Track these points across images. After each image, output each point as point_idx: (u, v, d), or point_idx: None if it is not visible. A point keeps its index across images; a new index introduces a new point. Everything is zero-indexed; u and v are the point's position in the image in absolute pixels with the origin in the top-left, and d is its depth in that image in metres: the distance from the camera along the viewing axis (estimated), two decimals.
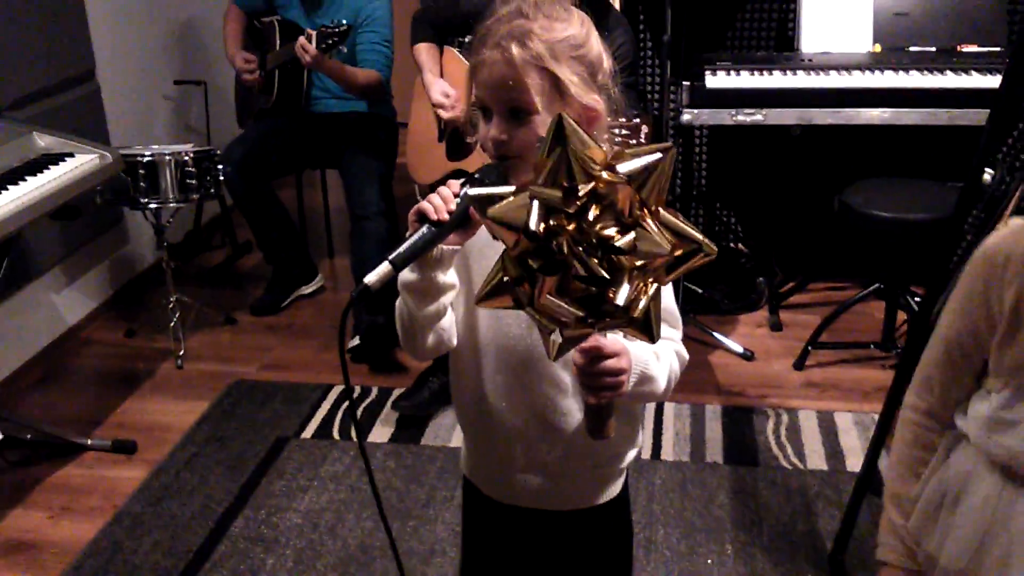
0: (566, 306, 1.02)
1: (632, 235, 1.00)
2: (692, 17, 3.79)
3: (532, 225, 1.00)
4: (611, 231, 1.00)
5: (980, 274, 1.30)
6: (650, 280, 1.03)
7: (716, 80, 3.45)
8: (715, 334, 3.55)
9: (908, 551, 1.44)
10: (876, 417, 2.38)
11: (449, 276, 1.31)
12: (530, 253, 1.03)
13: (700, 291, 3.77)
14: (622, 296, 1.00)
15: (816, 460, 2.85)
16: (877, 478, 2.43)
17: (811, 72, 3.45)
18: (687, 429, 3.03)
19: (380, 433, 3.05)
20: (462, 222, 1.23)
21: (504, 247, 1.06)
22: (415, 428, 3.06)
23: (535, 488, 1.48)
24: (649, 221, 1.01)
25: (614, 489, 1.54)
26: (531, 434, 1.45)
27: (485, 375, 1.44)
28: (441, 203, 1.21)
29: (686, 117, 3.41)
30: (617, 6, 3.61)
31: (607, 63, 1.34)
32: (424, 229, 1.21)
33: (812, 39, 3.68)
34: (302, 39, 3.37)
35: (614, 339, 1.17)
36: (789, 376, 3.35)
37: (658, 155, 1.01)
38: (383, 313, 3.31)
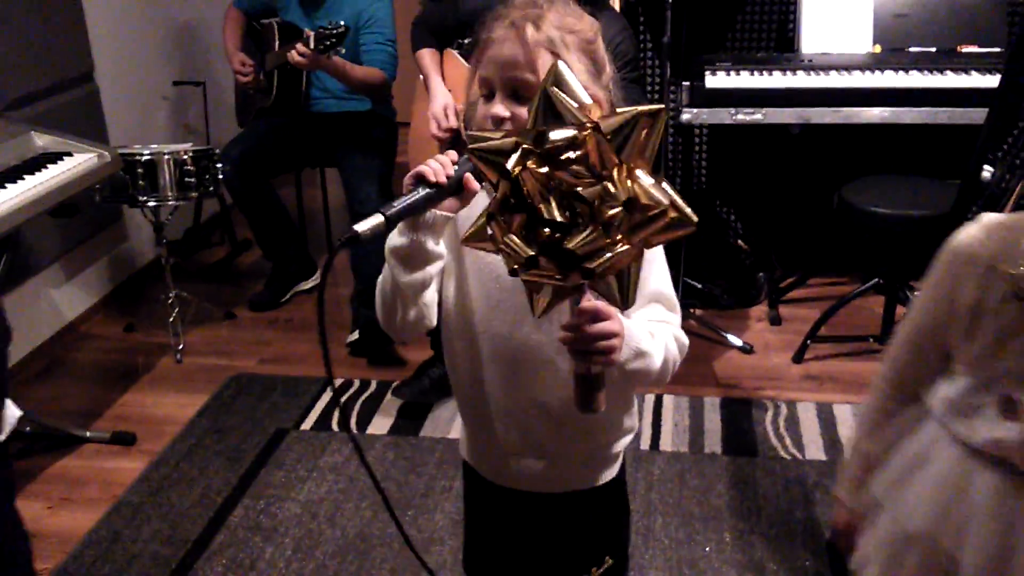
0: (521, 244, 1.03)
1: (597, 187, 1.01)
2: (692, 18, 3.81)
3: (509, 164, 1.02)
4: (579, 180, 1.01)
5: (947, 269, 1.33)
6: (618, 239, 1.02)
7: (716, 80, 3.46)
8: (715, 328, 3.56)
9: (857, 493, 1.50)
10: None
11: (439, 246, 1.30)
12: (510, 195, 1.04)
13: (700, 286, 3.78)
14: (575, 242, 1.00)
15: (814, 451, 2.86)
16: None
17: (811, 72, 3.47)
18: (686, 420, 3.04)
19: (379, 425, 3.04)
20: (458, 187, 1.23)
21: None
22: (414, 420, 3.06)
23: (532, 471, 1.49)
24: (622, 177, 1.01)
25: (610, 472, 1.55)
26: (528, 420, 1.45)
27: (481, 363, 1.45)
28: (439, 167, 1.21)
29: (686, 116, 3.42)
30: (617, 7, 3.64)
31: (609, 68, 1.36)
32: (420, 189, 1.20)
33: (812, 40, 3.70)
34: (294, 52, 3.37)
35: (605, 304, 1.16)
36: (788, 369, 3.36)
37: (638, 110, 1.01)
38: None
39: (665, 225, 1.03)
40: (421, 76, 3.24)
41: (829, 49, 3.67)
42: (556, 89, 1.03)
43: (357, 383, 3.30)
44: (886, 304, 3.35)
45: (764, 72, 3.50)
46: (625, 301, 1.06)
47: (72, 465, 2.91)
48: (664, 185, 1.04)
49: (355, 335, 3.46)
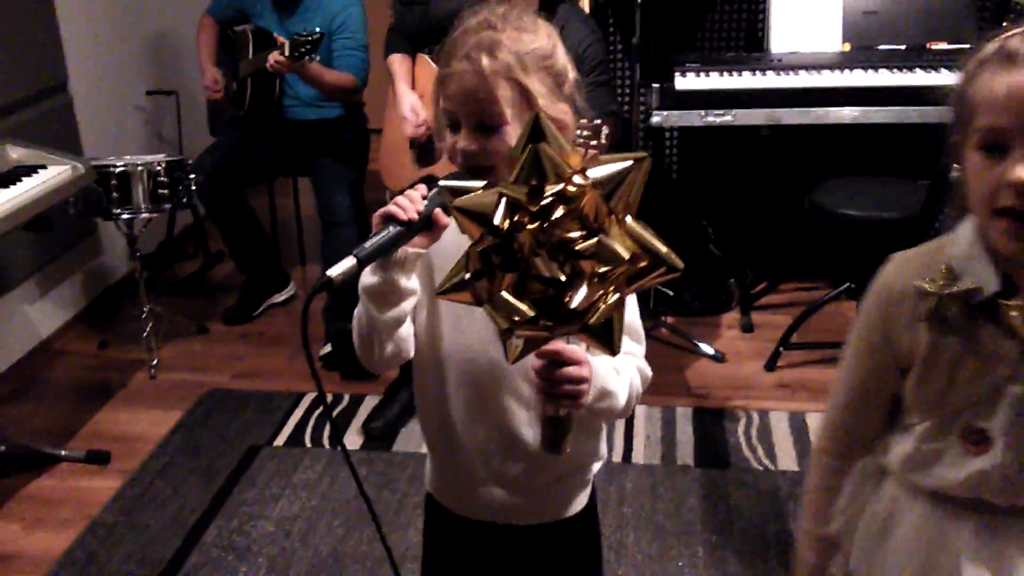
0: (519, 304, 1.02)
1: (594, 240, 1.00)
2: (661, 18, 3.79)
3: (496, 220, 1.01)
4: (574, 234, 1.00)
5: (878, 314, 1.27)
6: (611, 289, 1.02)
7: (686, 81, 3.45)
8: (686, 336, 3.55)
9: None
10: None
11: (411, 281, 1.30)
12: (493, 249, 1.03)
13: (671, 293, 3.77)
14: (577, 299, 0.99)
15: (787, 461, 2.86)
16: None
17: (780, 72, 3.46)
18: (658, 432, 3.03)
19: (351, 441, 3.04)
20: (427, 224, 1.23)
21: (469, 242, 1.06)
22: (386, 436, 3.06)
23: (499, 503, 1.48)
24: (615, 228, 1.01)
25: (580, 501, 1.53)
26: (494, 448, 1.44)
27: (448, 389, 1.44)
28: (408, 204, 1.22)
29: (656, 119, 3.41)
30: (587, 8, 3.62)
31: (572, 74, 1.35)
32: (391, 228, 1.21)
33: (781, 39, 3.68)
34: (271, 58, 3.37)
35: (575, 348, 1.17)
36: (760, 377, 3.36)
37: (629, 163, 1.01)
38: (348, 320, 3.30)
39: (660, 273, 1.03)
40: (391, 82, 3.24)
41: (799, 48, 3.65)
42: (545, 145, 1.02)
43: (330, 397, 3.30)
44: (857, 309, 3.33)
45: (734, 72, 3.49)
46: (614, 347, 1.05)
47: (46, 485, 2.91)
48: (649, 231, 1.03)
49: (327, 348, 3.45)
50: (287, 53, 3.37)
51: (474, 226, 1.04)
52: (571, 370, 1.16)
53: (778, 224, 3.98)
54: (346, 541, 2.59)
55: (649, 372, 1.39)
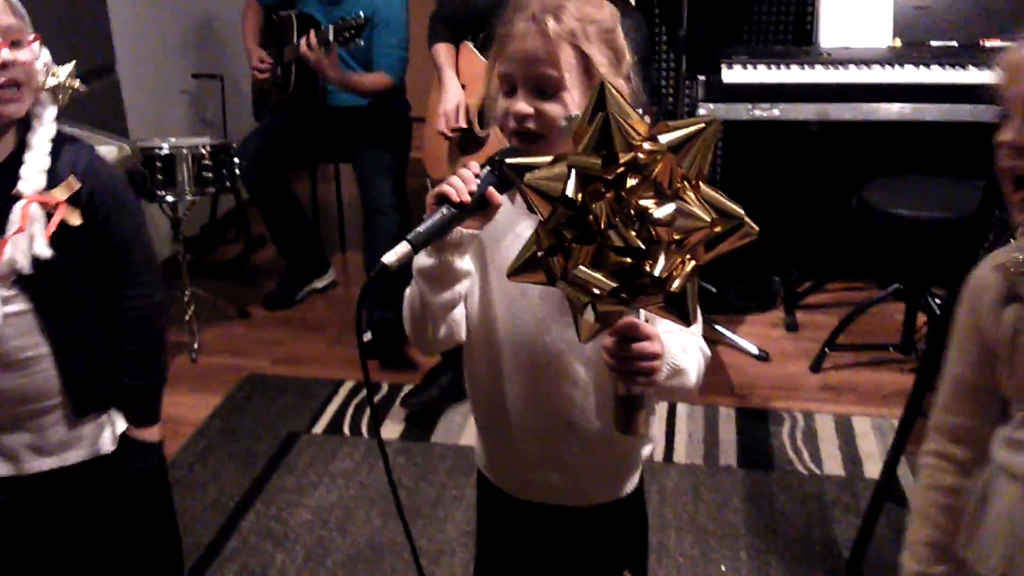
0: (600, 277, 1.00)
1: (671, 206, 0.99)
2: (708, 11, 3.74)
3: (569, 192, 0.99)
4: (649, 202, 0.98)
5: (967, 307, 1.30)
6: (687, 257, 1.01)
7: (732, 74, 3.40)
8: (729, 334, 3.51)
9: None
10: (895, 422, 2.34)
11: (465, 262, 1.29)
12: (565, 224, 1.01)
13: (713, 290, 3.73)
14: (659, 267, 0.98)
15: (833, 465, 2.81)
16: (896, 485, 2.39)
17: (829, 67, 3.40)
18: (700, 431, 3.00)
19: (390, 430, 3.04)
20: (482, 204, 1.21)
21: (538, 220, 1.05)
22: (425, 425, 3.06)
23: (552, 484, 1.48)
24: (689, 194, 1.00)
25: (631, 483, 1.53)
26: (548, 431, 1.44)
27: (502, 372, 1.43)
28: (462, 184, 1.20)
29: (701, 111, 3.36)
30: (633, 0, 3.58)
31: (629, 56, 1.35)
32: (444, 210, 1.19)
33: (831, 33, 3.62)
34: (302, 43, 3.37)
35: (647, 324, 1.15)
36: (805, 378, 3.31)
37: (700, 126, 1.00)
38: (394, 309, 3.30)
39: (738, 237, 1.02)
40: (436, 73, 3.21)
41: (848, 43, 3.59)
42: (615, 113, 1.00)
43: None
44: (907, 311, 3.27)
45: (782, 66, 3.43)
46: (689, 318, 1.03)
47: None
48: (722, 195, 1.02)
49: (368, 336, 3.45)
50: (331, 38, 3.36)
51: (544, 202, 1.02)
52: (644, 345, 1.14)
53: (825, 222, 3.92)
54: (383, 531, 2.58)
55: (708, 351, 1.37)
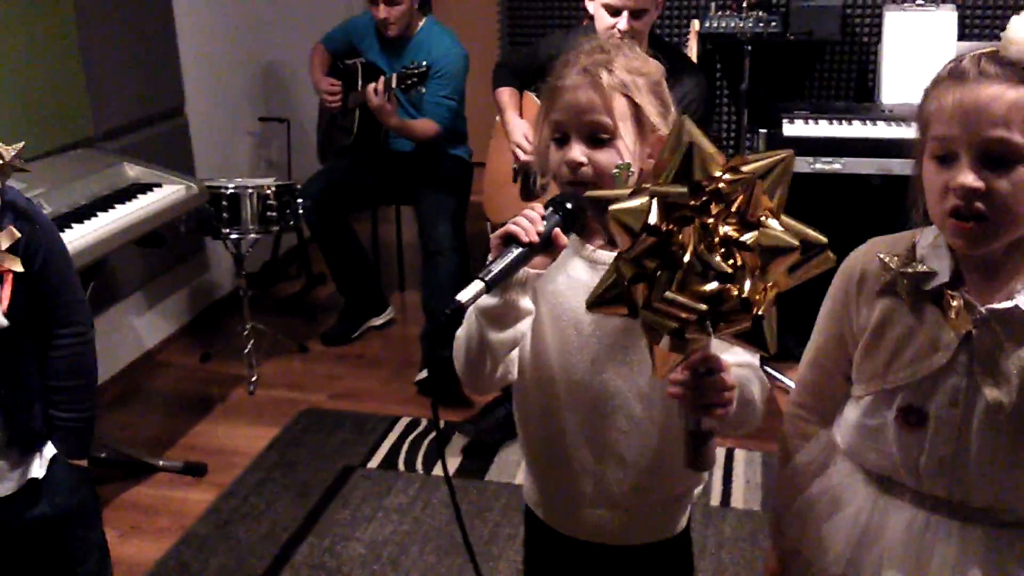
0: (689, 302, 1.01)
1: (756, 232, 1.01)
2: (770, 66, 3.79)
3: (653, 220, 1.02)
4: (733, 229, 1.01)
5: (841, 288, 1.37)
6: (769, 285, 1.03)
7: (794, 128, 3.44)
8: (788, 380, 3.48)
9: (781, 538, 1.52)
10: None
11: (527, 302, 1.31)
12: (647, 253, 1.04)
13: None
14: (747, 290, 1.00)
15: None
16: None
17: (891, 123, 3.42)
18: (758, 477, 2.97)
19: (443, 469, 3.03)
20: (548, 244, 1.24)
21: (617, 253, 1.07)
22: (480, 462, 3.06)
23: (604, 522, 1.48)
24: (772, 221, 1.02)
25: (679, 524, 1.53)
26: (602, 468, 1.44)
27: (556, 410, 1.44)
28: (529, 225, 1.23)
29: None
30: (693, 55, 3.64)
31: (674, 109, 1.39)
32: (514, 249, 1.21)
33: (892, 90, 3.65)
34: (369, 88, 3.47)
35: (717, 356, 1.16)
36: None
37: (780, 156, 1.03)
38: (450, 347, 3.32)
39: (817, 264, 1.05)
40: (498, 115, 3.29)
41: (910, 100, 3.58)
42: (700, 142, 1.04)
43: (424, 423, 3.31)
44: None
45: (843, 121, 3.46)
46: (770, 345, 1.05)
47: (144, 493, 2.97)
48: (801, 223, 1.05)
49: (423, 373, 3.48)
50: (395, 84, 3.48)
51: (626, 233, 1.05)
52: (718, 378, 1.15)
53: None
54: (437, 568, 2.58)
55: (768, 384, 1.38)
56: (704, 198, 1.02)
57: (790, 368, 3.59)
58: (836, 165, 3.35)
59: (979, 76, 1.17)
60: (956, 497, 1.29)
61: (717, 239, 1.01)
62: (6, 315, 1.62)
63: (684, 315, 1.02)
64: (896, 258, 1.28)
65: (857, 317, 1.33)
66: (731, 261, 1.01)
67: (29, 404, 1.75)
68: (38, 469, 1.77)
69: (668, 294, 1.02)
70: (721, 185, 1.02)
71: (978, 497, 1.28)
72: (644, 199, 1.04)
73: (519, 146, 3.12)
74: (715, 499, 2.86)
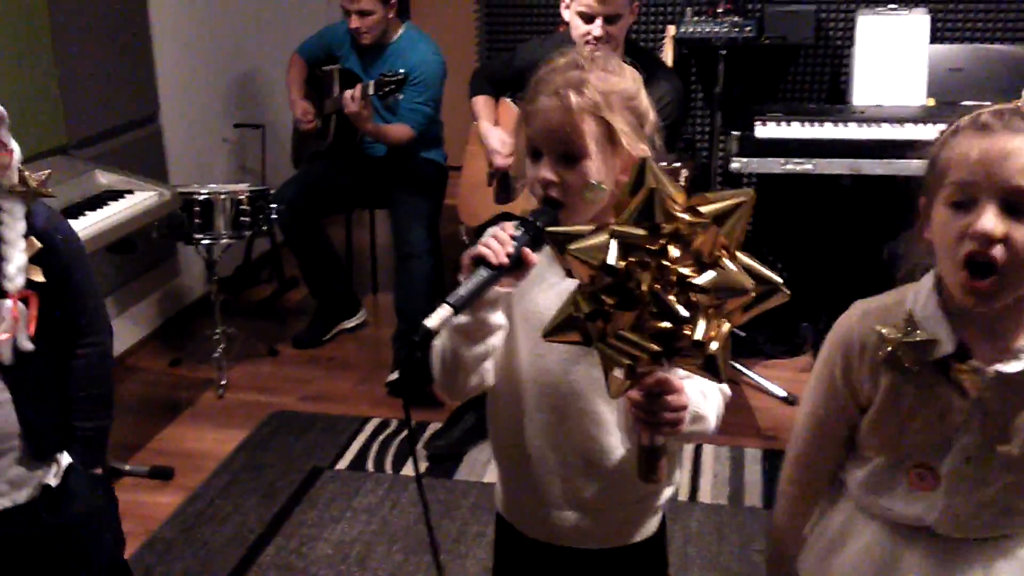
0: (643, 342, 1.04)
1: (713, 274, 1.03)
2: (745, 70, 3.80)
3: (611, 261, 1.04)
4: (689, 270, 1.03)
5: (839, 362, 1.34)
6: (723, 321, 1.04)
7: (766, 130, 3.45)
8: (757, 377, 3.50)
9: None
10: None
11: (498, 317, 1.33)
12: (605, 290, 1.06)
13: (743, 334, 3.71)
14: (699, 332, 1.02)
15: None
16: None
17: (863, 124, 3.43)
18: (726, 472, 2.97)
19: (414, 467, 3.01)
20: (518, 264, 1.25)
21: (577, 284, 1.09)
22: (449, 463, 3.04)
23: (572, 525, 1.48)
24: (727, 261, 1.04)
25: (651, 527, 1.52)
26: (570, 471, 1.44)
27: (525, 413, 1.44)
28: (499, 247, 1.24)
29: (735, 165, 3.40)
30: (669, 59, 3.65)
31: (652, 116, 1.39)
32: (483, 272, 1.23)
33: (865, 92, 3.67)
34: (347, 95, 3.48)
35: (674, 377, 1.18)
36: None
37: (741, 199, 1.05)
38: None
39: (772, 301, 1.07)
40: (475, 121, 3.31)
41: (882, 101, 3.63)
42: (657, 188, 1.05)
43: (394, 423, 3.29)
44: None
45: (815, 123, 3.47)
46: (722, 375, 1.06)
47: None
48: (756, 260, 1.07)
49: (394, 375, 3.46)
50: (372, 91, 3.48)
51: (586, 269, 1.07)
52: (672, 399, 1.17)
53: (855, 272, 3.90)
54: (404, 568, 2.55)
55: (729, 392, 1.39)
56: (663, 241, 1.04)
57: (758, 364, 3.61)
58: (808, 166, 3.36)
59: (1004, 128, 1.16)
60: (976, 535, 1.30)
61: (674, 277, 1.03)
62: (31, 338, 1.62)
63: (637, 353, 1.05)
64: (894, 328, 1.25)
65: (861, 390, 1.32)
66: (685, 301, 1.02)
67: (48, 414, 1.73)
68: (53, 477, 1.75)
69: (623, 333, 1.04)
70: (681, 227, 1.03)
71: (997, 530, 1.30)
72: (603, 237, 1.06)
73: (495, 151, 3.12)
74: (683, 494, 2.84)
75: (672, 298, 1.01)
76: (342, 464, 3.06)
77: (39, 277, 1.64)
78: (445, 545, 2.62)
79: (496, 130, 3.20)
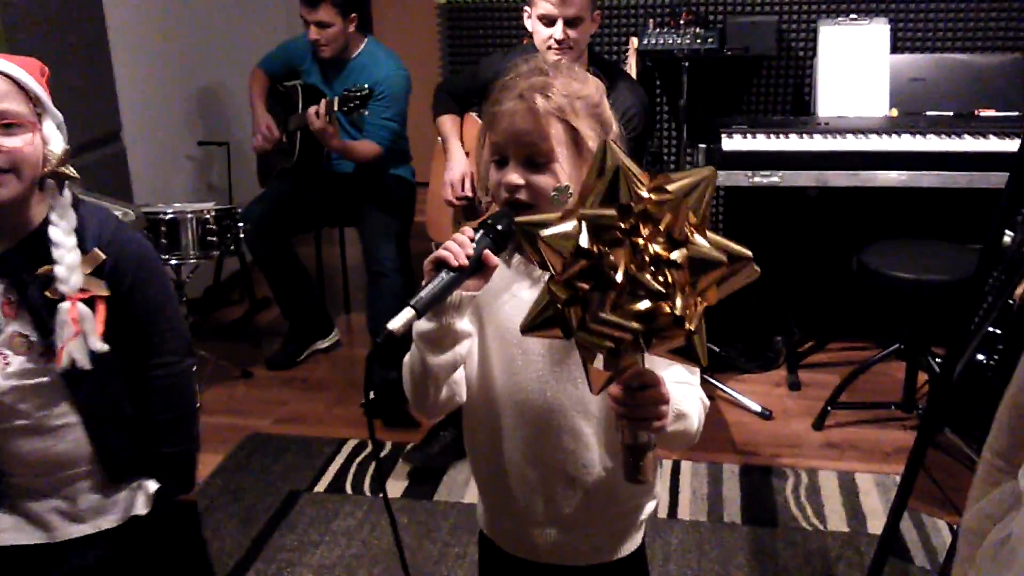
0: (624, 320, 1.02)
1: (684, 249, 1.03)
2: (708, 82, 3.84)
3: (584, 243, 1.03)
4: (662, 248, 1.03)
5: None
6: (699, 300, 1.04)
7: (732, 143, 3.48)
8: (733, 392, 3.52)
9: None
10: (898, 478, 2.33)
11: (465, 324, 1.32)
12: (579, 276, 1.05)
13: (717, 349, 3.75)
14: (678, 306, 1.01)
15: (836, 521, 2.79)
16: (899, 541, 2.36)
17: (828, 135, 3.48)
18: (704, 488, 2.98)
19: (394, 488, 3.01)
20: (478, 266, 1.25)
21: (544, 278, 1.09)
22: (428, 483, 3.03)
23: (553, 542, 1.47)
24: (698, 238, 1.04)
25: (633, 543, 1.53)
26: (550, 487, 1.44)
27: (502, 430, 1.44)
28: (458, 249, 1.23)
29: None
30: (633, 71, 3.67)
31: (616, 127, 1.40)
32: (444, 274, 1.22)
33: (828, 104, 3.72)
34: (311, 112, 3.47)
35: (652, 370, 1.17)
36: (808, 436, 3.31)
37: (704, 175, 1.05)
38: (396, 368, 3.30)
39: (744, 276, 1.06)
40: (440, 139, 3.29)
41: (846, 112, 3.68)
42: (626, 165, 1.05)
43: (370, 445, 3.27)
44: (907, 370, 3.28)
45: (781, 135, 3.51)
46: (701, 357, 1.06)
47: None
48: (725, 238, 1.07)
49: (370, 396, 3.45)
50: (336, 108, 3.46)
51: (557, 256, 1.06)
52: (652, 392, 1.15)
53: (825, 284, 3.96)
54: None
55: (707, 400, 1.39)
56: (632, 220, 1.04)
57: (731, 378, 3.64)
58: (774, 178, 3.40)
59: None
60: None
61: (647, 258, 1.03)
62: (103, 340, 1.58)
63: (618, 334, 1.04)
64: None
65: None
66: (661, 279, 1.02)
67: (122, 436, 1.69)
68: (142, 507, 1.72)
69: (602, 315, 1.03)
70: (648, 205, 1.04)
71: None
72: (574, 223, 1.05)
73: (452, 184, 3.10)
74: (662, 511, 2.86)
75: (647, 276, 1.01)
76: (320, 487, 3.05)
77: (102, 291, 1.59)
78: (426, 567, 2.62)
79: (462, 160, 3.13)
